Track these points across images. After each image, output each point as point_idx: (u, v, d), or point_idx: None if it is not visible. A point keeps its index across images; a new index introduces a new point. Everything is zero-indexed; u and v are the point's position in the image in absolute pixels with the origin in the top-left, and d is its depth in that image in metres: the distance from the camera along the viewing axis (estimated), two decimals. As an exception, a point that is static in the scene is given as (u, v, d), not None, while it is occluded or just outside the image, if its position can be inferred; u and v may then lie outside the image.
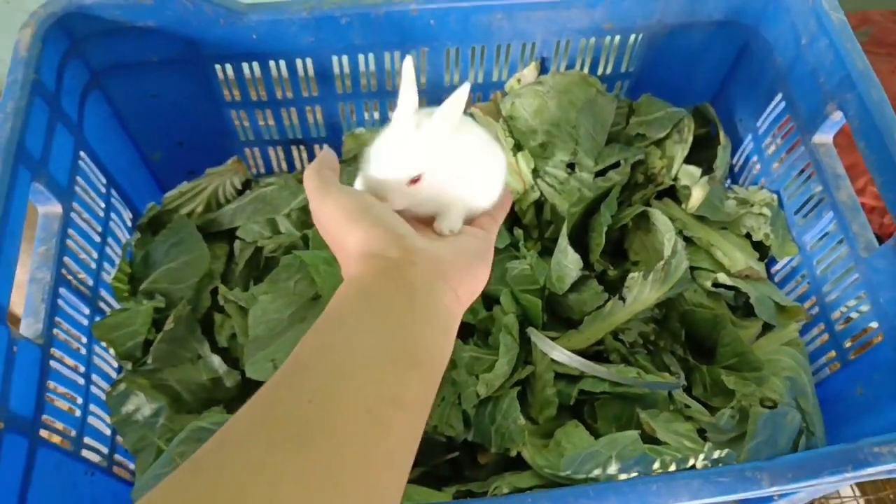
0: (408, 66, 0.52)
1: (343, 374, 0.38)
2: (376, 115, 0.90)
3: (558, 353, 0.69)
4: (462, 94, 0.51)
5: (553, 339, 0.75)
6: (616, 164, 0.82)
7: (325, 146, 0.59)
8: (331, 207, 0.49)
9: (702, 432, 0.72)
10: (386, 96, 0.88)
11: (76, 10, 0.70)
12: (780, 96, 0.81)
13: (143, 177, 0.90)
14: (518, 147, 0.83)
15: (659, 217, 0.80)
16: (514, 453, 0.71)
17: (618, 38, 0.86)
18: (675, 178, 0.84)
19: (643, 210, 0.81)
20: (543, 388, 0.73)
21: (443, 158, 0.52)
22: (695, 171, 0.83)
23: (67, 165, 0.71)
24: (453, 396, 0.74)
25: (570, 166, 0.83)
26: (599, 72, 0.90)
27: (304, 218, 0.83)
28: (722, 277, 0.77)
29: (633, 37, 0.86)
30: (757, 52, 0.84)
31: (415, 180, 0.51)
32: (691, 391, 0.76)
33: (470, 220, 0.59)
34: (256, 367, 0.74)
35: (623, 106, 0.89)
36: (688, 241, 0.81)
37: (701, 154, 0.88)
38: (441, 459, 0.75)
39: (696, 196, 0.80)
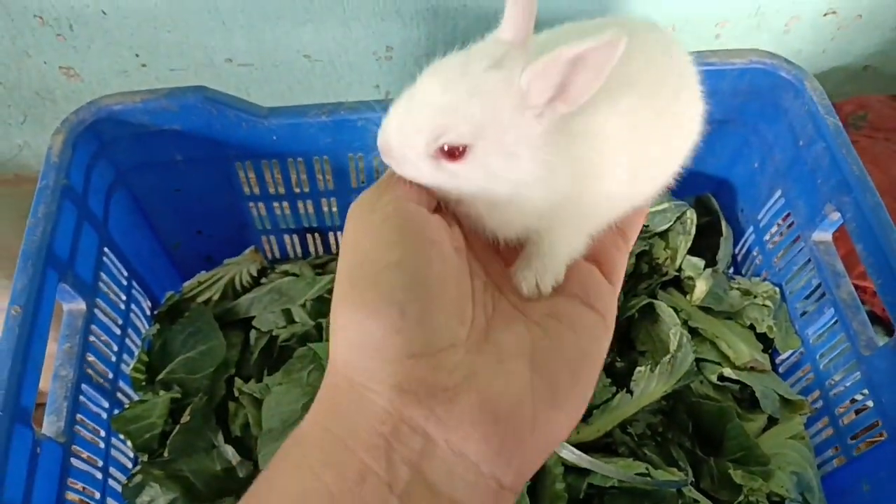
0: None
1: None
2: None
3: (567, 452, 0.70)
4: (605, 56, 0.26)
5: (562, 432, 0.76)
6: (622, 257, 0.85)
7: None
8: (349, 241, 0.28)
9: (710, 528, 0.73)
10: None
11: (106, 116, 0.74)
12: (779, 192, 0.83)
13: (162, 265, 0.93)
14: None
15: (664, 309, 0.82)
16: (525, 549, 0.72)
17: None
18: (679, 269, 0.86)
19: (649, 302, 0.83)
20: (553, 483, 0.73)
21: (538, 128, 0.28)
22: (698, 262, 0.86)
23: (92, 263, 0.74)
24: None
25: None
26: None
27: (318, 307, 0.85)
28: (727, 372, 0.78)
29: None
30: (757, 148, 0.87)
31: (453, 152, 0.28)
32: (699, 484, 0.77)
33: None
34: (269, 459, 0.75)
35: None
36: (693, 332, 0.82)
37: (703, 242, 0.90)
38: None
39: (700, 289, 0.82)
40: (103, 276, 0.76)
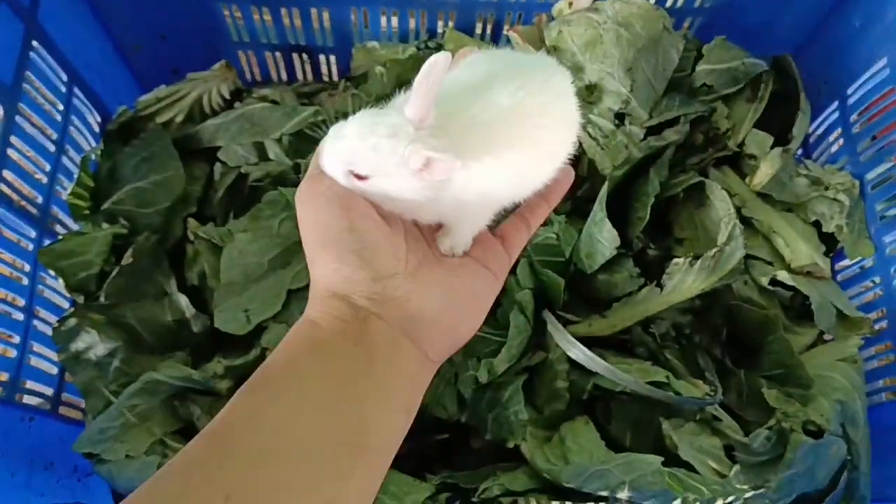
0: (435, 64, 0.35)
1: (272, 463, 0.31)
2: (394, 27, 0.76)
3: (577, 351, 0.58)
4: (448, 166, 0.36)
5: (573, 322, 0.64)
6: (674, 121, 0.69)
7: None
8: (309, 216, 0.39)
9: (730, 449, 0.62)
10: (407, 6, 0.73)
11: None
12: (885, 60, 0.66)
13: (119, 74, 0.78)
14: (560, 87, 0.69)
15: (717, 192, 0.67)
16: (510, 445, 0.62)
17: (697, -37, 0.70)
18: (742, 145, 0.71)
19: (699, 181, 0.68)
20: (554, 380, 0.62)
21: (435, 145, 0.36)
22: (766, 139, 0.70)
23: (13, 58, 0.58)
24: (450, 374, 0.64)
25: (620, 117, 0.69)
26: (668, 3, 0.75)
27: (297, 145, 0.70)
28: (782, 275, 0.65)
29: (716, -36, 0.71)
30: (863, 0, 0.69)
31: (359, 175, 0.37)
32: (724, 398, 0.66)
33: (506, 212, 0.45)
34: (226, 317, 0.64)
35: (691, 48, 0.74)
36: (745, 222, 0.68)
37: (773, 114, 0.74)
38: (430, 440, 0.66)
39: (765, 171, 0.67)
40: (30, 76, 0.61)
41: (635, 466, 0.55)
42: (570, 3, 0.73)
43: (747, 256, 0.67)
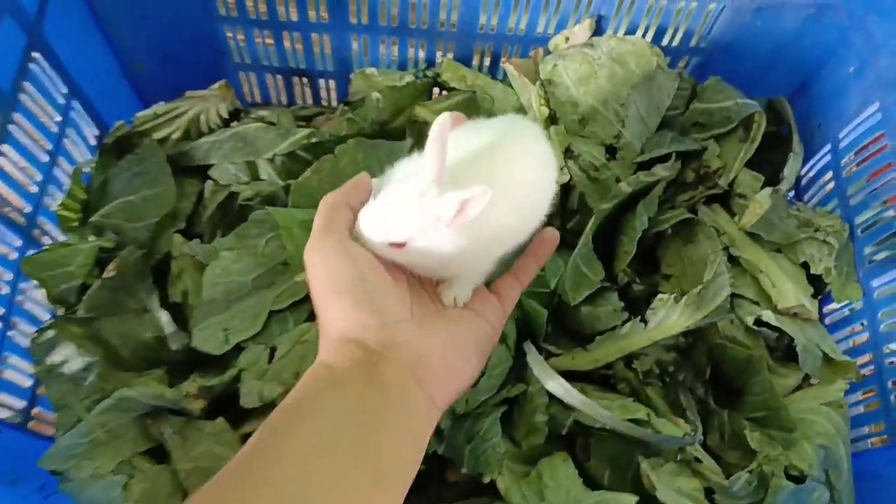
0: (442, 124, 0.41)
1: (298, 493, 0.33)
2: (394, 56, 0.77)
3: (555, 384, 0.58)
4: (481, 198, 0.40)
5: (555, 355, 0.64)
6: (665, 157, 0.69)
7: (363, 174, 0.47)
8: (320, 268, 0.42)
9: (709, 492, 0.61)
10: (406, 35, 0.74)
11: None
12: (876, 106, 0.66)
13: (121, 91, 0.79)
14: (553, 120, 0.70)
15: (705, 229, 0.67)
16: (486, 479, 0.61)
17: (695, 4, 0.71)
18: (732, 184, 0.71)
19: (688, 217, 0.68)
20: (533, 413, 0.61)
21: (444, 223, 0.42)
22: (757, 179, 0.70)
23: (13, 67, 0.59)
24: (428, 403, 0.63)
25: (611, 151, 0.69)
26: (664, 42, 0.76)
27: (289, 165, 0.71)
28: (767, 315, 0.64)
29: (713, 6, 0.71)
30: (858, 47, 0.69)
31: (397, 244, 0.42)
32: (705, 439, 0.65)
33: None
34: (205, 336, 0.64)
35: (685, 87, 0.74)
36: (733, 261, 0.68)
37: (765, 156, 0.74)
38: (404, 469, 0.65)
39: (754, 211, 0.67)
40: (28, 86, 0.62)
41: (610, 504, 0.54)
42: (567, 38, 0.73)
43: (734, 295, 0.66)
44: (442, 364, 0.43)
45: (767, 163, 0.74)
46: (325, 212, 0.44)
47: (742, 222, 0.68)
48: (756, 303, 0.66)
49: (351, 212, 0.44)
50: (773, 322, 0.64)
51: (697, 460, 0.61)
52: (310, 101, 0.83)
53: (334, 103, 0.84)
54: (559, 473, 0.61)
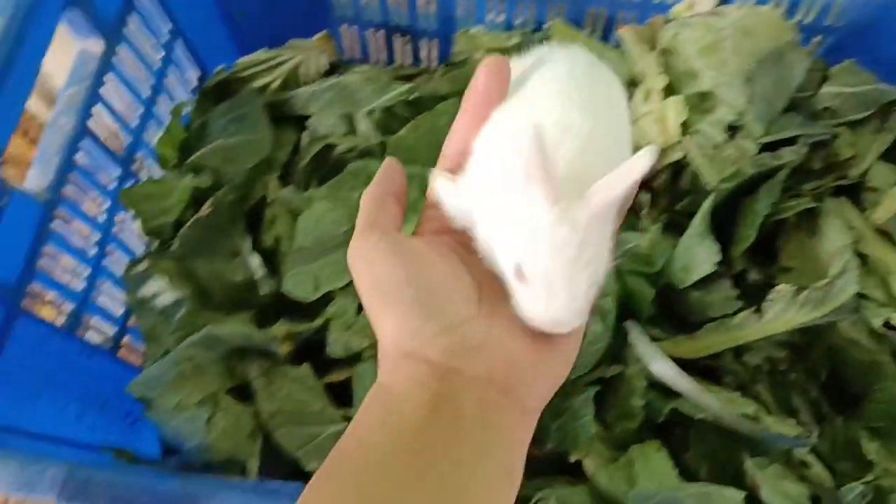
0: (536, 137, 0.31)
1: None
2: (500, 18, 0.74)
3: (662, 365, 0.53)
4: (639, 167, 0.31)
5: (658, 340, 0.59)
6: (791, 140, 0.64)
7: (390, 159, 0.39)
8: (364, 275, 0.35)
9: (816, 500, 0.56)
10: (518, -6, 0.71)
11: None
12: None
13: (222, 35, 0.78)
14: (670, 90, 0.65)
15: (832, 222, 0.62)
16: (573, 459, 0.58)
17: (835, -24, 0.65)
18: (864, 176, 0.65)
19: (814, 207, 0.63)
20: (630, 396, 0.58)
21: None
22: (892, 172, 0.64)
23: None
24: (517, 377, 0.60)
25: (732, 129, 0.65)
26: (797, 17, 0.70)
27: (387, 121, 0.68)
28: (897, 318, 0.58)
29: (855, -21, 0.66)
30: None
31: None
32: (815, 445, 0.60)
33: None
34: (296, 282, 0.62)
35: (817, 69, 0.69)
36: (860, 258, 0.62)
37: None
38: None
39: (888, 206, 0.61)
40: (135, 20, 0.61)
41: (713, 499, 0.49)
42: (691, 6, 0.69)
43: (860, 295, 0.61)
44: (529, 361, 0.34)
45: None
46: (369, 207, 0.37)
47: (873, 217, 0.63)
48: (886, 305, 0.60)
49: (396, 203, 0.38)
50: (905, 325, 0.58)
51: (805, 465, 0.57)
52: (409, 61, 0.81)
53: (434, 65, 0.82)
54: (652, 462, 0.57)
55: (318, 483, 0.31)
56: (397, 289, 0.33)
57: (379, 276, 0.34)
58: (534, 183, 0.31)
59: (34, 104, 0.74)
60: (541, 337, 0.34)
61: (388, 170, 0.39)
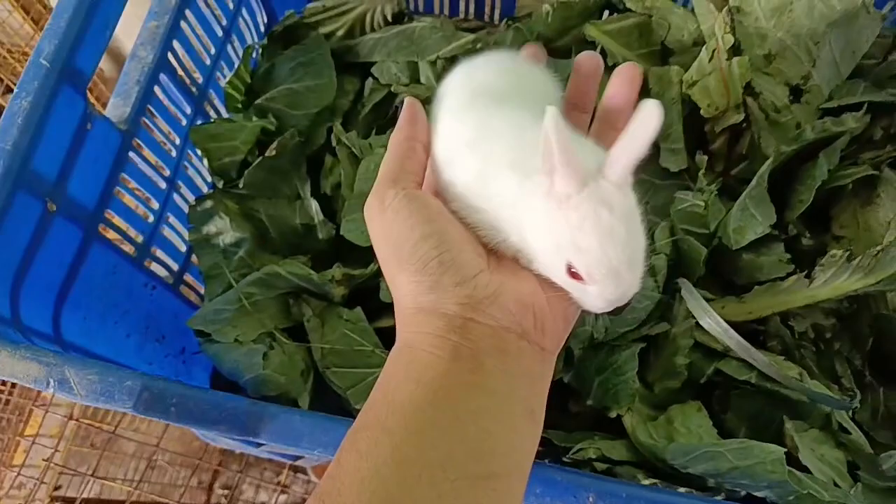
0: (555, 119, 0.31)
1: None
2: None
3: (712, 322, 0.54)
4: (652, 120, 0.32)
5: (707, 301, 0.60)
6: (856, 107, 0.63)
7: (411, 100, 0.40)
8: (380, 232, 0.36)
9: (853, 467, 0.57)
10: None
11: None
12: None
13: (292, -20, 0.79)
14: (736, 51, 0.65)
15: (890, 190, 0.61)
16: (613, 414, 0.59)
17: (916, -60, 0.64)
18: (927, 147, 0.64)
19: (871, 175, 0.62)
20: (674, 355, 0.59)
21: None
22: (958, 144, 0.63)
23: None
24: (562, 328, 0.62)
25: (796, 92, 0.64)
26: (872, -18, 0.68)
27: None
28: (952, 290, 0.58)
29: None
30: None
31: None
32: (854, 415, 0.60)
33: None
34: (352, 227, 0.64)
35: (887, 35, 0.67)
36: (916, 230, 0.62)
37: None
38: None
39: (952, 177, 0.60)
40: (212, -40, 0.63)
41: (753, 453, 0.50)
42: (764, -33, 0.68)
43: (913, 266, 0.60)
44: (541, 304, 0.35)
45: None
46: (393, 158, 0.38)
47: (934, 188, 0.62)
48: (938, 277, 0.60)
49: (423, 149, 0.39)
50: (958, 299, 0.58)
51: (845, 431, 0.57)
52: (472, 14, 0.81)
53: (496, 20, 0.82)
54: (692, 421, 0.58)
55: (351, 437, 0.32)
56: (413, 247, 0.34)
57: (395, 234, 0.35)
58: (559, 169, 0.31)
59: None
60: (548, 280, 0.35)
61: (411, 111, 0.40)
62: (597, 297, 0.33)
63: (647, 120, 0.31)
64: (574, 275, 0.33)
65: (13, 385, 1.14)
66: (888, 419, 0.59)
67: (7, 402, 1.13)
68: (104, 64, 1.27)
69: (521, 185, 0.34)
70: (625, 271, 0.32)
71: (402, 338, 0.35)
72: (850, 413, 0.59)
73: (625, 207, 0.32)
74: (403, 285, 0.35)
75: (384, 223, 0.35)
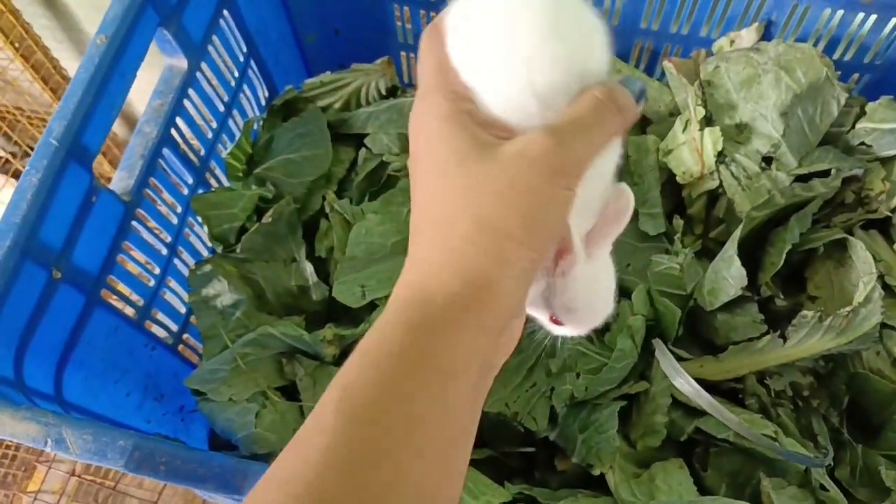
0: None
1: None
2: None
3: (683, 382, 0.56)
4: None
5: (684, 360, 0.62)
6: (825, 173, 0.66)
7: None
8: (420, 145, 0.32)
9: (832, 525, 0.58)
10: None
11: None
12: None
13: (292, 58, 0.84)
14: (708, 121, 0.68)
15: (860, 252, 0.64)
16: (597, 472, 0.61)
17: (874, 18, 0.67)
18: (894, 210, 0.67)
19: (842, 238, 0.65)
20: (654, 413, 0.60)
21: None
22: (925, 207, 0.66)
23: (205, 20, 0.65)
24: (546, 387, 0.64)
25: (767, 160, 0.67)
26: (836, 55, 0.72)
27: (439, 142, 0.73)
28: (922, 350, 0.60)
29: (894, 22, 0.68)
30: None
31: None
32: (834, 472, 0.61)
33: None
34: (343, 289, 0.67)
35: (853, 104, 0.71)
36: (887, 290, 0.64)
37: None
38: (513, 450, 0.66)
39: (918, 239, 0.63)
40: (216, 41, 0.68)
41: (727, 510, 0.52)
42: (732, 42, 0.72)
43: (884, 325, 0.62)
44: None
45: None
46: (435, 60, 0.33)
47: (903, 250, 0.64)
48: (910, 336, 0.62)
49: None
50: (928, 357, 0.60)
51: (823, 489, 0.58)
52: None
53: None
54: (673, 479, 0.59)
55: (311, 416, 0.30)
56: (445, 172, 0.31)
57: (442, 150, 0.31)
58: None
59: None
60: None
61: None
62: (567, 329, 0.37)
63: (622, 207, 0.34)
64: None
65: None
66: (866, 476, 0.60)
67: (14, 457, 1.15)
68: (118, 128, 1.33)
69: None
70: (590, 315, 0.37)
71: (405, 279, 0.32)
72: (829, 470, 0.61)
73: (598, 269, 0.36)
74: (418, 247, 0.32)
75: (429, 132, 0.32)
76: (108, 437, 0.42)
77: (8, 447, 1.15)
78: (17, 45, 1.17)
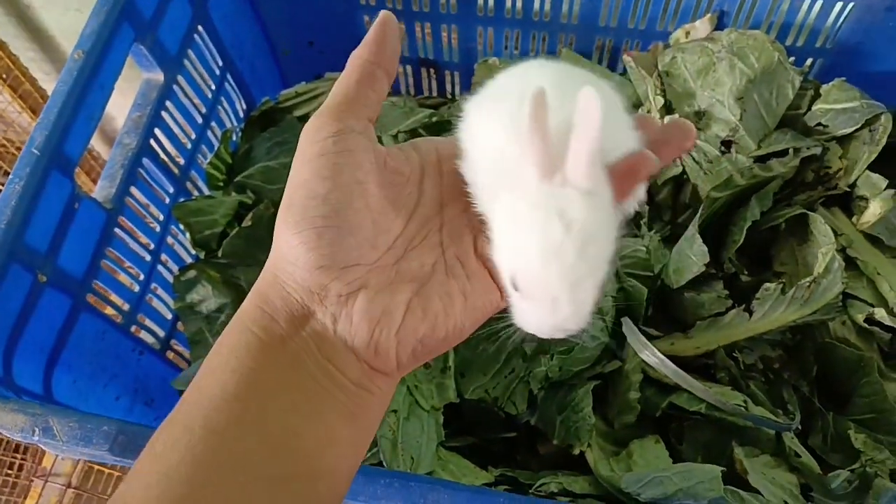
0: (538, 96, 0.28)
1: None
2: (516, 48, 0.81)
3: (649, 354, 0.58)
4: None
5: (654, 338, 0.64)
6: (783, 153, 0.68)
7: (387, 14, 0.34)
8: (297, 163, 0.33)
9: (806, 489, 0.59)
10: (530, 27, 0.78)
11: None
12: None
13: (268, 70, 0.87)
14: (668, 109, 0.71)
15: (820, 226, 0.66)
16: (576, 451, 0.63)
17: (820, 3, 0.70)
18: (853, 186, 0.69)
19: (802, 213, 0.67)
20: (627, 391, 0.62)
21: None
22: (879, 181, 0.68)
23: (180, 35, 0.68)
24: (523, 371, 0.66)
25: (726, 144, 0.70)
26: (788, 41, 0.75)
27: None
28: (880, 314, 0.62)
29: (840, 5, 0.70)
30: None
31: None
32: (807, 438, 0.63)
33: None
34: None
35: (808, 87, 0.74)
36: (849, 262, 0.66)
37: (889, 165, 0.71)
38: (495, 436, 0.67)
39: (874, 210, 0.65)
40: (191, 54, 0.70)
41: (694, 474, 0.53)
42: (687, 33, 0.75)
43: (847, 296, 0.65)
44: (388, 319, 0.31)
45: (892, 174, 0.72)
46: (355, 77, 0.33)
47: (860, 222, 0.67)
48: (871, 305, 0.64)
49: (386, 76, 0.34)
50: (887, 321, 0.62)
51: (797, 455, 0.60)
52: (435, 91, 0.88)
53: (456, 96, 0.89)
54: (650, 453, 0.61)
55: (153, 438, 0.31)
56: (306, 199, 0.31)
57: (302, 179, 0.31)
58: (528, 148, 0.28)
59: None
60: (423, 309, 0.32)
61: (382, 29, 0.33)
62: (529, 316, 0.30)
63: (588, 110, 0.28)
64: (515, 287, 0.30)
65: (20, 467, 1.18)
66: (837, 441, 0.62)
67: (14, 484, 1.16)
68: (100, 146, 1.35)
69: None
70: (564, 300, 0.28)
71: (248, 301, 0.32)
72: (802, 438, 0.62)
73: (585, 224, 0.27)
74: (277, 235, 0.32)
75: (306, 156, 0.32)
76: (92, 424, 0.44)
77: (8, 473, 1.17)
78: (4, 76, 1.20)
